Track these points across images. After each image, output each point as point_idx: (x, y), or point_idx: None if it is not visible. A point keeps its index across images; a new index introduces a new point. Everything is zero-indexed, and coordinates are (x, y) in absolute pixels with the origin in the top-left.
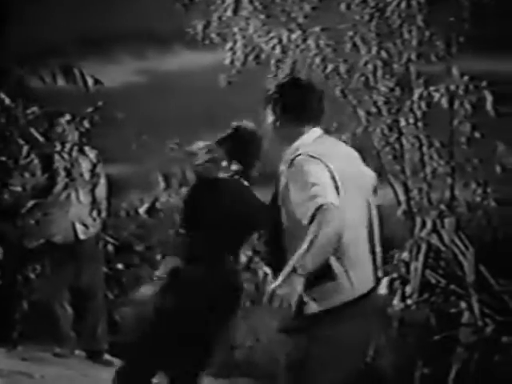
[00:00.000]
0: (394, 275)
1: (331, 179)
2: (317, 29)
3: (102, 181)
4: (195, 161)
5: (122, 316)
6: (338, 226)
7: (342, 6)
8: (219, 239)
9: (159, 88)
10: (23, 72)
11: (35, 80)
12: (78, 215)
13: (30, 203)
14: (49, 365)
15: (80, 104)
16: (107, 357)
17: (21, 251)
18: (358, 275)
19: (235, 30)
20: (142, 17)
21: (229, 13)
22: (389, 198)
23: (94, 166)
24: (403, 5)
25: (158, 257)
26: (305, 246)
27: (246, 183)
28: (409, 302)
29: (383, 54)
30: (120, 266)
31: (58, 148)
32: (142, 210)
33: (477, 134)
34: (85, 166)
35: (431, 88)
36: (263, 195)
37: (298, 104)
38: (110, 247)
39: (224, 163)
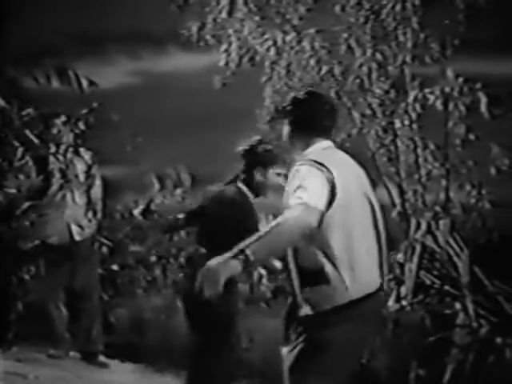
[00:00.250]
0: (390, 276)
1: (328, 188)
2: (311, 31)
3: (98, 182)
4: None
5: (116, 317)
6: (305, 225)
7: (337, 8)
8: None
9: (154, 89)
10: (18, 73)
11: (30, 81)
12: (74, 216)
13: (25, 205)
14: (43, 366)
15: (75, 105)
16: (102, 358)
17: (16, 252)
18: (356, 278)
19: (230, 31)
20: (137, 18)
21: (223, 14)
22: (384, 199)
23: (89, 167)
24: (398, 7)
25: (153, 258)
26: (263, 232)
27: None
28: (404, 303)
29: (378, 56)
30: (115, 267)
31: (53, 150)
32: (136, 212)
33: (471, 136)
34: (80, 167)
35: (426, 90)
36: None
37: (311, 118)
38: (104, 248)
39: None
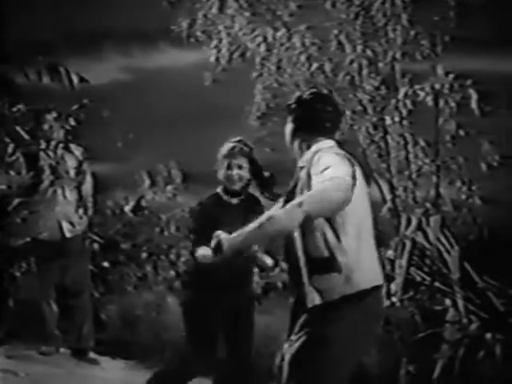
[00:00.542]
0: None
1: (351, 174)
2: (302, 27)
3: (88, 178)
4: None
5: (107, 314)
6: (344, 197)
7: (328, 5)
8: None
9: (145, 86)
10: (9, 69)
11: (21, 77)
12: (64, 213)
13: (16, 201)
14: (34, 363)
15: (65, 102)
16: (93, 355)
17: (7, 249)
18: (363, 269)
19: (220, 27)
20: (128, 14)
21: (214, 10)
22: (375, 196)
23: (80, 163)
24: (388, 3)
25: (144, 255)
26: (314, 190)
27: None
28: (393, 299)
29: (369, 52)
30: (106, 263)
31: (44, 146)
32: (127, 209)
33: (462, 133)
34: (70, 163)
35: (416, 86)
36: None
37: (314, 118)
38: (95, 245)
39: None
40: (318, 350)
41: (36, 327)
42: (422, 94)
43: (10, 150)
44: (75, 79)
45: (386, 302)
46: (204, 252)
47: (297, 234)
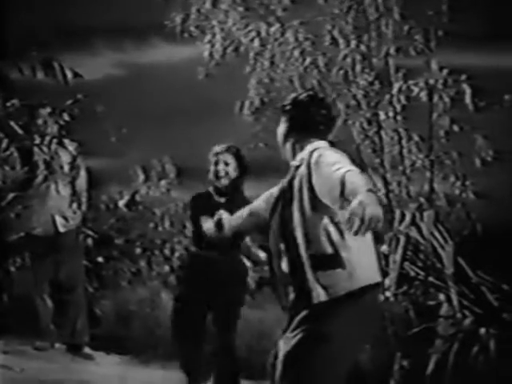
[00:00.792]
0: None
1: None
2: (295, 22)
3: (82, 173)
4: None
5: (102, 309)
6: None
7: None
8: None
9: (138, 81)
10: (3, 64)
11: (15, 72)
12: (58, 208)
13: (10, 196)
14: (29, 358)
15: (59, 97)
16: (87, 350)
17: (1, 244)
18: (363, 267)
19: (214, 22)
20: (121, 9)
21: (208, 5)
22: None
23: (74, 158)
24: None
25: (138, 250)
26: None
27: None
28: (387, 294)
29: (362, 47)
30: (100, 259)
31: (38, 141)
32: (121, 203)
33: (456, 128)
34: (64, 158)
35: (410, 82)
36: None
37: (308, 120)
38: (89, 240)
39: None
40: (317, 347)
41: (30, 322)
42: (415, 89)
43: (4, 145)
44: (69, 74)
45: (380, 297)
46: (209, 225)
47: (298, 232)
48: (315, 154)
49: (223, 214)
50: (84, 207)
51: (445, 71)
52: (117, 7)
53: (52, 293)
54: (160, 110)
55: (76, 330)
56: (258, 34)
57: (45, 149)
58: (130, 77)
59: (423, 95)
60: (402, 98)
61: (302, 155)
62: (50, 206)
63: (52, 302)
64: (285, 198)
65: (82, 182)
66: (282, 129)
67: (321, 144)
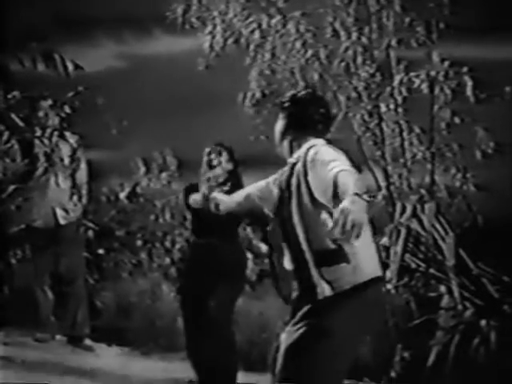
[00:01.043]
0: None
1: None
2: (297, 14)
3: (83, 166)
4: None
5: (102, 301)
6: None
7: None
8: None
9: (139, 73)
10: (3, 57)
11: (16, 64)
12: (59, 200)
13: (11, 188)
14: (30, 349)
15: (60, 89)
16: (88, 342)
17: (1, 236)
18: (366, 260)
19: (215, 14)
20: (122, 1)
21: None
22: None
23: (75, 150)
24: None
25: (139, 242)
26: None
27: None
28: (389, 286)
29: (364, 39)
30: (100, 251)
31: (39, 133)
32: (122, 196)
33: (457, 120)
34: (65, 151)
35: (411, 74)
36: None
37: (305, 118)
38: (90, 232)
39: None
40: (319, 342)
41: (31, 314)
42: (417, 81)
43: (5, 137)
44: (70, 66)
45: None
46: (196, 197)
47: (299, 230)
48: (311, 152)
49: (217, 196)
50: (84, 199)
51: (446, 63)
52: None
53: (53, 285)
54: (161, 102)
55: (76, 321)
56: (259, 25)
57: (46, 141)
58: (130, 69)
59: (424, 87)
60: (403, 90)
61: (299, 153)
62: (50, 198)
63: (53, 294)
64: (283, 196)
65: (82, 174)
66: (279, 126)
67: (318, 141)
